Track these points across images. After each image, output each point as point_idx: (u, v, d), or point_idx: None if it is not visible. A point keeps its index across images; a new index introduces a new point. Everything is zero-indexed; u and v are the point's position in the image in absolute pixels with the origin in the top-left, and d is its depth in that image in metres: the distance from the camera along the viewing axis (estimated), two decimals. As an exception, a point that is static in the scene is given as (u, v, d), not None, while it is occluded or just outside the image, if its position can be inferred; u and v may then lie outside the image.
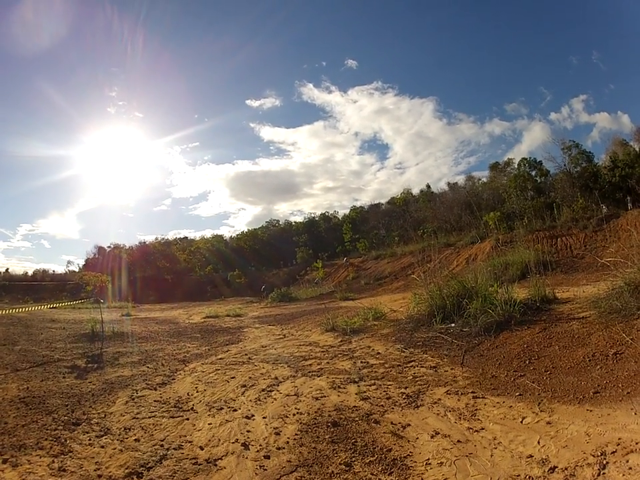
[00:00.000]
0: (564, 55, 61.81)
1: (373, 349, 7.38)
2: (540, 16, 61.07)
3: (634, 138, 29.79)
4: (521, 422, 3.96)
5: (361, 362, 6.65)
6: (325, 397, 5.16)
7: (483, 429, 3.92)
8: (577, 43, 59.92)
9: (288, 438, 4.03)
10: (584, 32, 58.80)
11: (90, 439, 4.13)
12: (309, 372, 6.35)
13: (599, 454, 3.11)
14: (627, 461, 2.94)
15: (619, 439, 3.26)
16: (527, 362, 5.50)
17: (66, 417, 4.74)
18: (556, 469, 3.04)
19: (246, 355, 8.07)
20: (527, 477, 3.02)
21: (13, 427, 4.38)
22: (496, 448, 3.52)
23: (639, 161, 25.68)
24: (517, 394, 4.64)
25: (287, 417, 4.59)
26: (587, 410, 3.94)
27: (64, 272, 55.58)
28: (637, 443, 3.13)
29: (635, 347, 4.95)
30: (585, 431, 3.54)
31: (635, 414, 3.64)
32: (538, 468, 3.11)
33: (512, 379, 5.11)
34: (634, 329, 5.38)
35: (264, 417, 4.61)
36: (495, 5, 63.84)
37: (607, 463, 2.99)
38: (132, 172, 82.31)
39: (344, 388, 5.44)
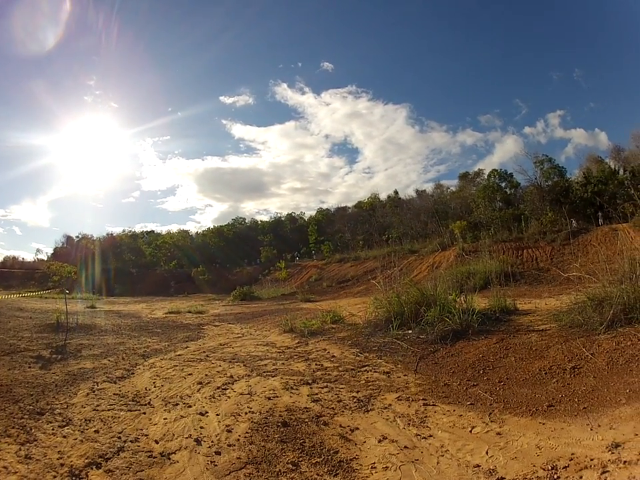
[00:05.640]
0: (545, 70, 62.81)
1: (329, 352, 7.25)
2: (523, 31, 61.52)
3: (610, 155, 30.17)
4: (470, 431, 3.84)
5: (316, 364, 6.52)
6: (278, 397, 5.14)
7: (431, 436, 3.79)
8: (559, 60, 60.73)
9: (239, 436, 4.07)
10: (567, 50, 59.60)
11: (53, 429, 4.28)
12: (264, 372, 6.28)
13: (550, 468, 2.98)
14: (580, 477, 2.82)
15: (572, 454, 3.14)
16: (481, 372, 5.41)
17: (31, 407, 4.90)
18: (503, 480, 2.89)
19: (204, 352, 8.04)
20: (473, 486, 2.85)
21: (-19, 414, 4.47)
22: (443, 455, 3.40)
23: (612, 178, 26.19)
24: (469, 403, 4.52)
25: (240, 415, 4.62)
26: (540, 423, 3.84)
27: (33, 260, 55.31)
28: (591, 459, 3.00)
29: (594, 362, 4.91)
30: (535, 443, 3.43)
31: (591, 430, 3.53)
32: (485, 478, 2.97)
33: (464, 388, 5.00)
34: (595, 344, 5.37)
35: (217, 414, 4.66)
36: (479, 18, 64.31)
37: (559, 477, 2.86)
38: (104, 162, 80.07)
39: (297, 389, 5.37)
